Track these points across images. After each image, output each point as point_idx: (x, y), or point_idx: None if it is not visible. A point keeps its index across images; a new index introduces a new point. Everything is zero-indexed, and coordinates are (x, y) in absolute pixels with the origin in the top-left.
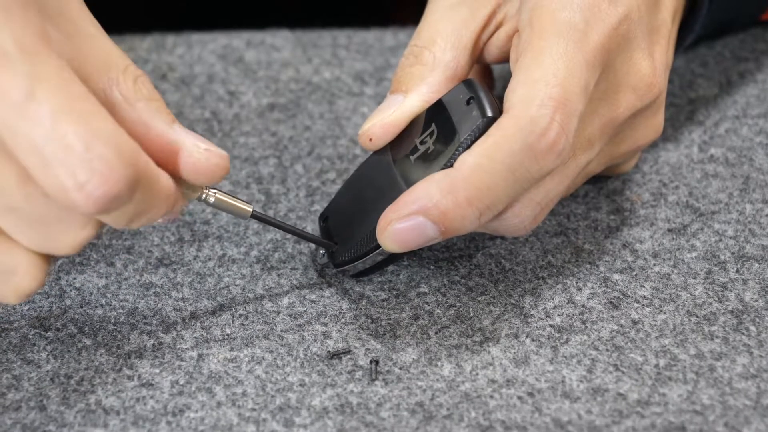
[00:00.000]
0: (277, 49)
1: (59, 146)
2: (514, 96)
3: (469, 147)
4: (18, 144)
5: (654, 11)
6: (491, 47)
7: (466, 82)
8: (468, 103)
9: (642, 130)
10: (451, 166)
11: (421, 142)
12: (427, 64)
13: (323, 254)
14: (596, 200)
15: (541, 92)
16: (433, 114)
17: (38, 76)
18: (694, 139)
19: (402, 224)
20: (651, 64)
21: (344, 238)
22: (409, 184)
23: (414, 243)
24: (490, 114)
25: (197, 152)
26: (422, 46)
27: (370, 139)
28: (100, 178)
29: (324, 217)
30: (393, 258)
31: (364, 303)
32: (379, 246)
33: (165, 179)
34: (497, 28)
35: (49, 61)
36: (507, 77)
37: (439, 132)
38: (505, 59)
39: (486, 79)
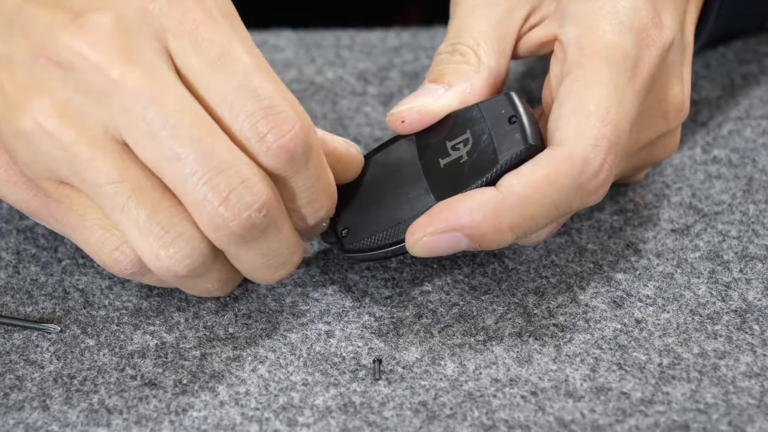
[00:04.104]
0: (280, 49)
1: (247, 99)
2: (567, 127)
3: (506, 170)
4: (211, 96)
5: (683, 31)
6: (521, 46)
7: (508, 96)
8: (510, 121)
9: (660, 148)
10: (486, 185)
11: (453, 148)
12: (473, 65)
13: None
14: (600, 201)
15: (595, 130)
16: (468, 120)
17: (237, 35)
18: (697, 140)
19: (438, 237)
20: (682, 88)
21: (357, 224)
22: (439, 192)
23: (443, 253)
24: (532, 142)
25: (340, 143)
26: (467, 45)
27: (402, 122)
28: (279, 131)
29: None
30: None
31: (367, 300)
32: (399, 243)
33: (329, 170)
34: (531, 28)
35: (242, 26)
36: (524, 71)
37: (474, 143)
38: (528, 56)
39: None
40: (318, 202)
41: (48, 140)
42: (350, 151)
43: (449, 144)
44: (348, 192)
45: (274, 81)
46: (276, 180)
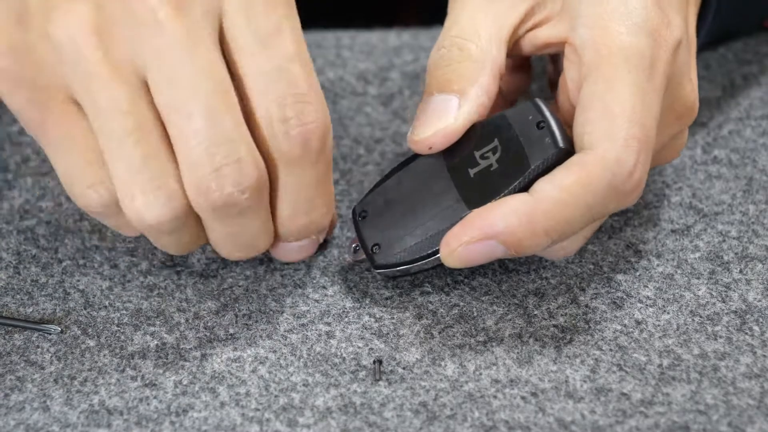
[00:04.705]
0: None
1: (283, 80)
2: (595, 130)
3: (538, 176)
4: (250, 70)
5: (687, 30)
6: (525, 44)
7: (534, 103)
8: (539, 126)
9: (671, 149)
10: (518, 191)
11: (482, 157)
12: (476, 61)
13: (356, 247)
14: (635, 203)
15: (624, 130)
16: (495, 128)
17: (288, 19)
18: (697, 140)
19: (473, 246)
20: (692, 87)
21: (388, 239)
22: (471, 201)
23: (479, 262)
24: (562, 145)
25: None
26: (466, 38)
27: (430, 148)
28: (304, 118)
29: (361, 212)
30: (441, 265)
31: (367, 301)
32: (433, 255)
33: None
34: (535, 26)
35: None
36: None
37: (503, 150)
38: (532, 54)
39: (520, 72)
40: (314, 204)
41: (74, 52)
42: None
43: (477, 153)
44: (376, 208)
45: (311, 73)
46: (280, 171)
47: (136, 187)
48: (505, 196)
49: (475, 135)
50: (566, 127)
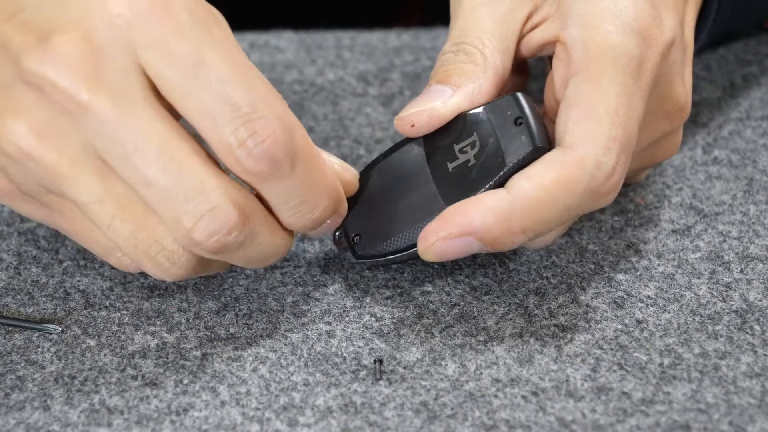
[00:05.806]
0: (281, 50)
1: (225, 107)
2: (577, 129)
3: (514, 173)
4: (189, 107)
5: (682, 31)
6: (522, 47)
7: (514, 98)
8: (516, 123)
9: (663, 149)
10: (494, 187)
11: (461, 151)
12: (479, 65)
13: (339, 235)
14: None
15: (606, 132)
16: (475, 122)
17: (208, 44)
18: (697, 141)
19: (450, 242)
20: (684, 89)
21: (369, 230)
22: (447, 196)
23: (455, 257)
24: (539, 144)
25: (336, 167)
26: (472, 44)
27: (413, 125)
28: (258, 136)
29: None
30: (419, 257)
31: (368, 301)
32: (411, 248)
33: (329, 170)
34: (533, 28)
35: (221, 31)
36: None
37: (481, 146)
38: (529, 57)
39: (516, 74)
40: (310, 203)
41: (29, 161)
42: (344, 175)
43: (457, 147)
44: (359, 198)
45: (252, 85)
46: (263, 188)
47: (141, 258)
48: (481, 193)
49: (456, 127)
50: (550, 123)
